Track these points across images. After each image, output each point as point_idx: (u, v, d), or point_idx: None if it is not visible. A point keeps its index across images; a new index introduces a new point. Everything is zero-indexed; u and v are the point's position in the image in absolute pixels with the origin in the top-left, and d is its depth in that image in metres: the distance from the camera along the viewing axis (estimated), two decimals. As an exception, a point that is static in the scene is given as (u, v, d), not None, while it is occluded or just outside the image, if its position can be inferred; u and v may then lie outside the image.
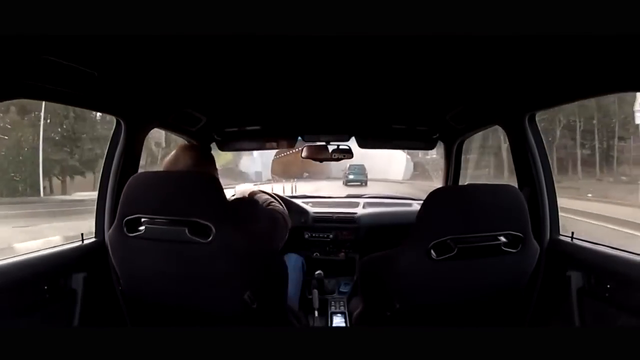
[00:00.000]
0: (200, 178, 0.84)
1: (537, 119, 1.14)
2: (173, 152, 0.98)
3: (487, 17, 0.55)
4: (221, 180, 0.86)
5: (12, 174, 9.64)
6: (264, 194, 1.23)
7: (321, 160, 1.83)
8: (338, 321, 1.55)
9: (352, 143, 1.84)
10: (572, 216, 6.16)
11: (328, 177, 16.53)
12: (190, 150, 1.00)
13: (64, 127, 11.07)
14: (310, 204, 2.07)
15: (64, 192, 10.84)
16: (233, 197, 1.31)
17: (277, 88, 1.10)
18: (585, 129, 13.21)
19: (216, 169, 1.03)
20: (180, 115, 1.36)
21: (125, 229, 0.80)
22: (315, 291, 1.62)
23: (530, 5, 0.53)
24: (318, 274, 1.74)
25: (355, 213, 1.99)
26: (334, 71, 0.92)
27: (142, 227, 0.81)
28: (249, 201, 1.11)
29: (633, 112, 10.36)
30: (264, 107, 1.38)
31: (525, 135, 1.11)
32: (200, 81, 1.01)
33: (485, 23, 0.56)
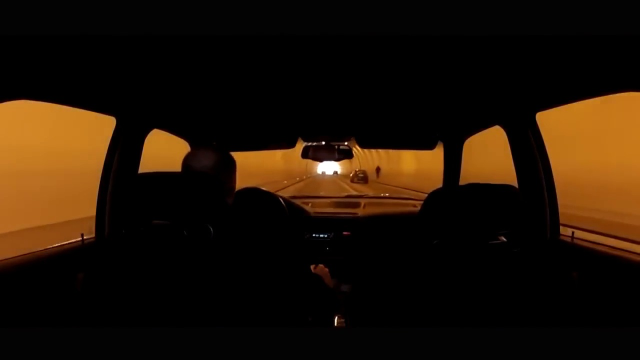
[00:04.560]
0: (198, 179, 0.84)
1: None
2: (190, 153, 0.96)
3: (487, 17, 0.55)
4: None
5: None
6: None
7: (321, 160, 1.83)
8: (338, 321, 1.55)
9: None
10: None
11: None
12: (210, 152, 0.95)
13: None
14: (310, 204, 2.07)
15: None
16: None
17: (276, 88, 1.10)
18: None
19: (234, 175, 0.99)
20: (179, 115, 1.36)
21: (125, 230, 0.81)
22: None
23: (531, 5, 0.53)
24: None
25: (356, 213, 1.99)
26: (333, 71, 0.92)
27: (143, 228, 0.81)
28: (252, 202, 1.11)
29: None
30: (264, 107, 1.38)
31: (526, 135, 1.11)
32: (200, 81, 1.01)
33: (486, 23, 0.56)
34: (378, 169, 17.69)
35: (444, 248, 0.84)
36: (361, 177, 17.00)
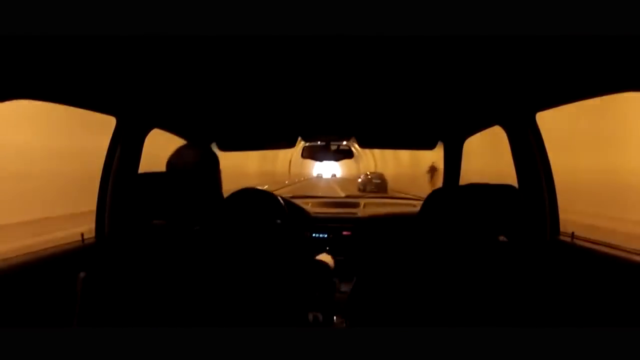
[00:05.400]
0: (197, 178, 0.84)
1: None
2: (174, 151, 0.96)
3: (487, 17, 0.55)
4: None
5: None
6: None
7: (321, 160, 1.84)
8: (338, 321, 1.55)
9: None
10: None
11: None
12: (191, 150, 0.98)
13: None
14: (310, 204, 2.07)
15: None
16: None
17: (277, 88, 1.10)
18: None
19: (218, 170, 1.01)
20: (179, 115, 1.36)
21: (124, 230, 0.81)
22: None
23: (531, 5, 0.53)
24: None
25: (356, 213, 1.99)
26: (334, 71, 0.92)
27: (143, 228, 0.81)
28: (252, 202, 1.11)
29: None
30: (264, 107, 1.38)
31: (526, 135, 1.11)
32: (200, 81, 1.01)
33: (486, 23, 0.56)
34: (433, 170, 10.09)
35: (444, 248, 0.84)
36: (376, 184, 11.29)
